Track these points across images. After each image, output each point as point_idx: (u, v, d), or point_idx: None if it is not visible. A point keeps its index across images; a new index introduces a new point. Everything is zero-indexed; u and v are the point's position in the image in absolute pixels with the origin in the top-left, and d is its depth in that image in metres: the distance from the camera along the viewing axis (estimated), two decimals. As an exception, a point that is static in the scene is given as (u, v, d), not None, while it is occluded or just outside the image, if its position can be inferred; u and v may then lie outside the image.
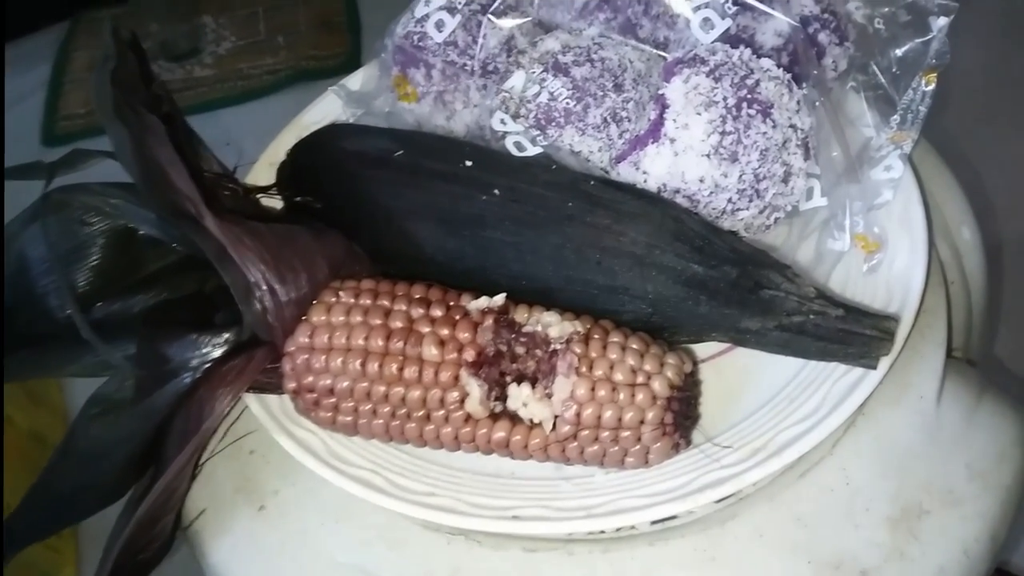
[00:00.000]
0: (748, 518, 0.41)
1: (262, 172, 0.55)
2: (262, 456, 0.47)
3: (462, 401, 0.38)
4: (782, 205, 0.44)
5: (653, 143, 0.43)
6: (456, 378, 0.38)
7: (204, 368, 0.41)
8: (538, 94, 0.46)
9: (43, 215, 0.44)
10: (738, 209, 0.43)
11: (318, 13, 1.22)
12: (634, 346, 0.38)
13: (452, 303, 0.40)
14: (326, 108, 0.59)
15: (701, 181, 0.42)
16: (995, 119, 0.92)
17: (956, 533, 0.40)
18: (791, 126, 0.43)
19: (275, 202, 0.52)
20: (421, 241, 0.45)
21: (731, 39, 0.45)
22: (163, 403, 0.41)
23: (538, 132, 0.46)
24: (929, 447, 0.42)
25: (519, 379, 0.38)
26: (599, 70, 0.46)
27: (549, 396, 0.37)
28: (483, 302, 0.40)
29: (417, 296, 0.40)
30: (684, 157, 0.42)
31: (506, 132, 0.46)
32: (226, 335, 0.42)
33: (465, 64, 0.50)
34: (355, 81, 0.60)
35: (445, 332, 0.39)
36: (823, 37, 0.48)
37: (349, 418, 0.40)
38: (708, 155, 0.42)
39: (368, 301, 0.40)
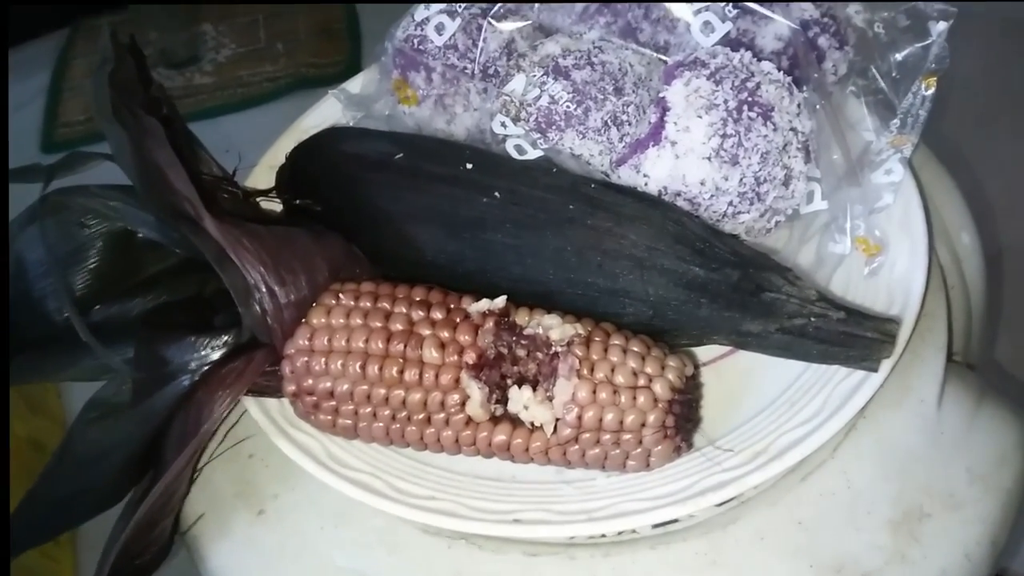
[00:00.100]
0: (749, 521, 0.41)
1: (262, 175, 0.55)
2: (261, 460, 0.47)
3: (463, 404, 0.38)
4: (783, 208, 0.44)
5: (654, 146, 0.43)
6: (457, 381, 0.38)
7: (203, 371, 0.41)
8: (538, 97, 0.46)
9: (41, 217, 0.44)
10: (739, 212, 0.43)
11: (318, 21, 1.22)
12: (635, 349, 0.38)
13: (453, 306, 0.40)
14: (326, 112, 0.59)
15: (702, 184, 0.42)
16: (994, 124, 0.92)
17: (957, 536, 0.40)
18: (792, 129, 0.43)
19: (275, 205, 0.52)
20: (421, 244, 0.45)
21: (731, 43, 0.45)
22: (162, 406, 0.41)
23: (539, 135, 0.46)
24: (930, 450, 0.42)
25: (520, 382, 0.38)
26: (599, 73, 0.46)
27: (550, 399, 0.37)
28: (484, 305, 0.40)
29: (418, 298, 0.40)
30: (685, 160, 0.42)
31: (506, 135, 0.46)
32: (225, 337, 0.42)
33: (465, 67, 0.50)
34: (355, 85, 0.60)
35: (446, 335, 0.38)
36: (823, 41, 0.48)
37: (349, 421, 0.40)
38: (709, 158, 0.42)
39: (368, 304, 0.40)
